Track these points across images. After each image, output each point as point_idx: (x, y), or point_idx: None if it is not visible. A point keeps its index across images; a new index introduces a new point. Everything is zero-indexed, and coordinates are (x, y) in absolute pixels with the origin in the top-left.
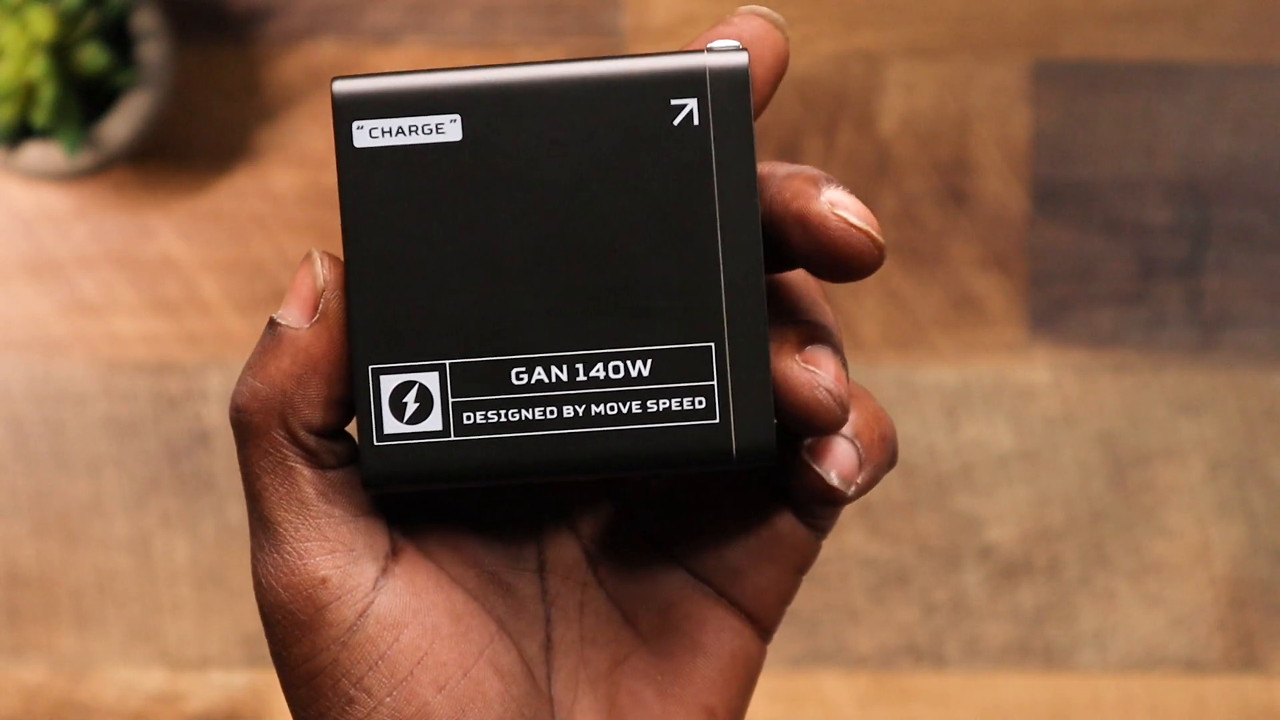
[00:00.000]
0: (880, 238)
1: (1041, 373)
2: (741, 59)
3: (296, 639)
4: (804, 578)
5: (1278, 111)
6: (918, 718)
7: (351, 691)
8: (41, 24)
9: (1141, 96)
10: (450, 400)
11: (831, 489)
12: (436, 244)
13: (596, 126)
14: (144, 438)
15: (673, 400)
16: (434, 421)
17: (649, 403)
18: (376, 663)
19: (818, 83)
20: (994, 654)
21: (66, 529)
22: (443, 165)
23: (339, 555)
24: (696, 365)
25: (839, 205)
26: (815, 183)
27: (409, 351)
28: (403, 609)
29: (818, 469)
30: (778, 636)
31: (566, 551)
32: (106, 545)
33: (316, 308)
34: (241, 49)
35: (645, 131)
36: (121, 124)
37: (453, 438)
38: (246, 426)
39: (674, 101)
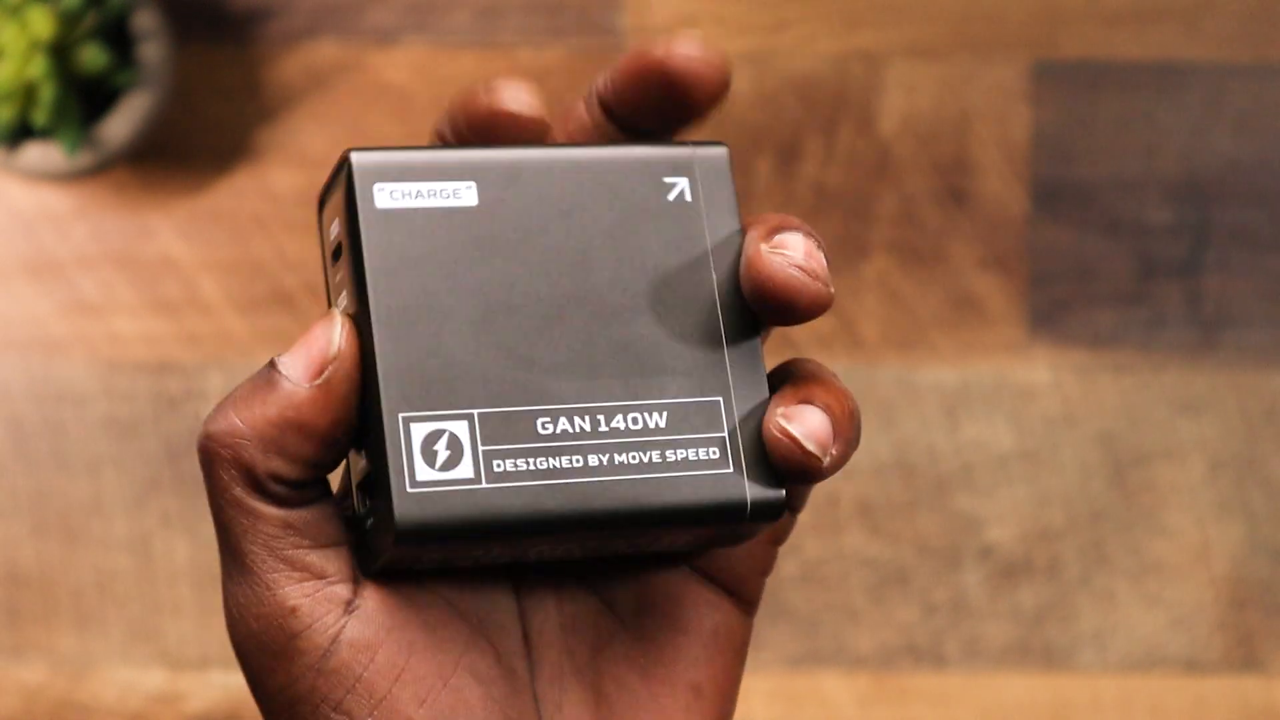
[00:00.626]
0: (824, 280)
1: (1041, 373)
2: (722, 150)
3: (271, 669)
4: (783, 549)
5: (1278, 111)
6: (918, 718)
7: (332, 716)
8: (41, 24)
9: (1141, 96)
10: (480, 448)
11: (809, 455)
12: (457, 300)
13: (601, 199)
14: (144, 438)
15: (689, 450)
16: (465, 469)
17: (668, 452)
18: (354, 685)
19: (818, 83)
20: (994, 654)
21: (66, 529)
22: (460, 228)
23: (308, 584)
24: (708, 418)
25: (781, 246)
26: (769, 226)
27: (438, 401)
28: (375, 629)
29: (795, 433)
30: (778, 636)
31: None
32: (106, 545)
33: (322, 371)
34: (241, 49)
35: (644, 205)
36: (121, 124)
37: (484, 484)
38: (214, 456)
39: (667, 180)
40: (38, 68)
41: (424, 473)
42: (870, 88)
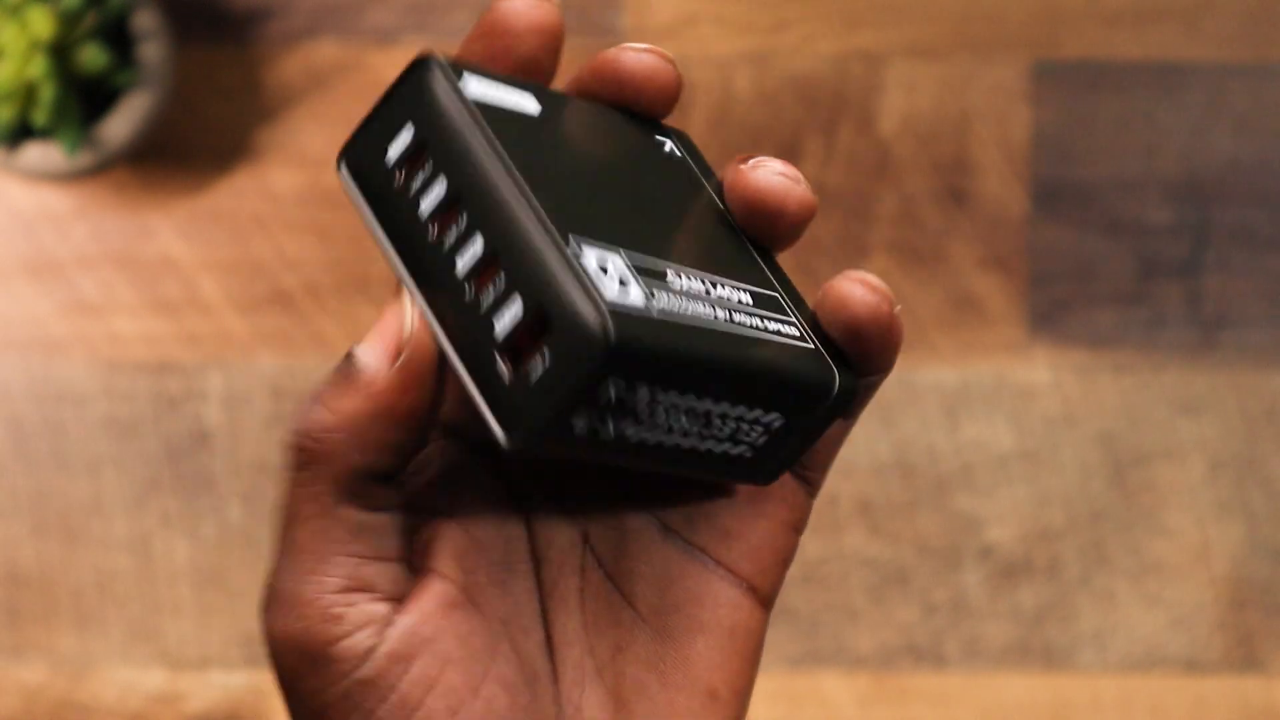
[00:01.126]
0: (806, 185)
1: (1041, 373)
2: (683, 134)
3: (306, 672)
4: (801, 539)
5: (1278, 111)
6: (918, 718)
7: None
8: (41, 24)
9: (1141, 96)
10: (640, 280)
11: (885, 299)
12: (557, 170)
13: (626, 134)
14: (144, 438)
15: (780, 324)
16: (636, 296)
17: (766, 323)
18: (388, 695)
19: (818, 83)
20: (994, 654)
21: (66, 529)
22: (532, 126)
23: (355, 594)
24: (777, 305)
25: (759, 164)
26: (742, 156)
27: (593, 230)
28: (412, 640)
29: (871, 281)
30: (778, 637)
31: (560, 536)
32: (106, 545)
33: (399, 354)
34: (241, 49)
35: (653, 149)
36: (121, 124)
37: (654, 316)
38: (307, 453)
39: (658, 138)
40: (38, 68)
41: (611, 292)
42: (870, 88)
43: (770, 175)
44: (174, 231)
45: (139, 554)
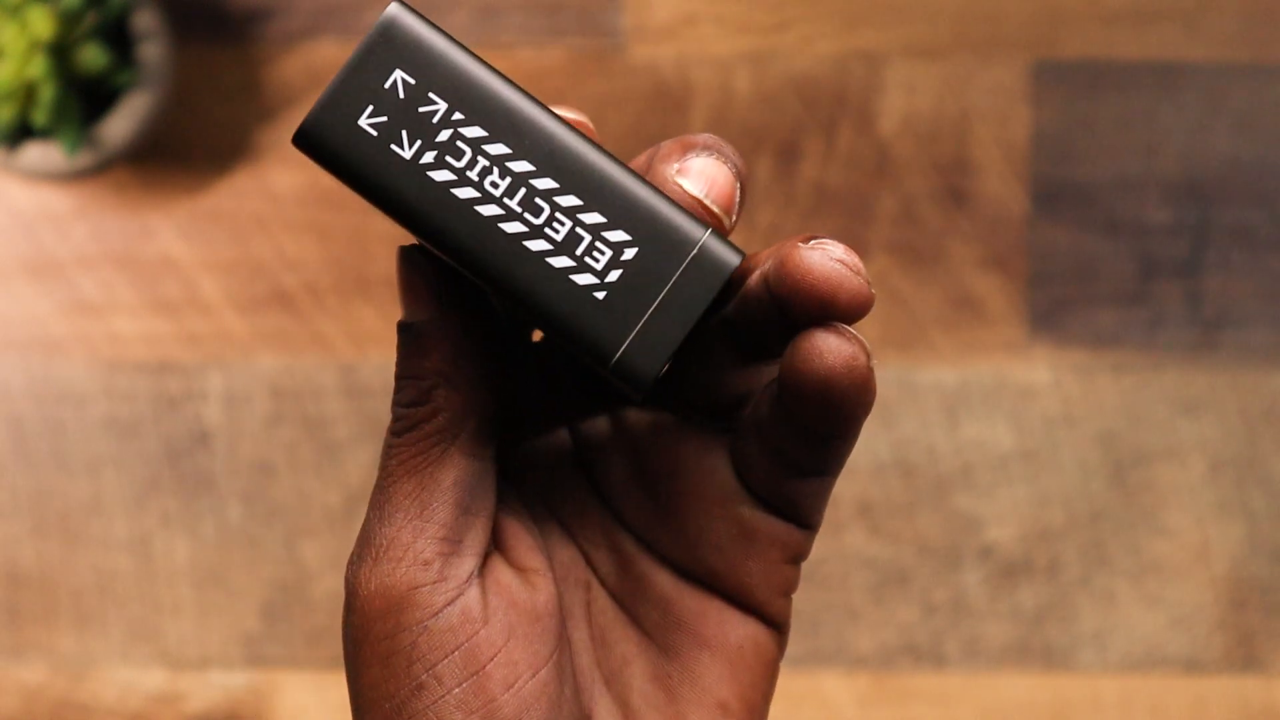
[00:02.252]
0: (863, 277)
1: (1041, 373)
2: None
3: (382, 613)
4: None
5: (1278, 111)
6: (918, 718)
7: (423, 677)
8: (41, 24)
9: (1141, 96)
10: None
11: (847, 355)
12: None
13: None
14: (144, 438)
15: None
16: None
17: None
18: (453, 653)
19: (818, 83)
20: (994, 654)
21: (66, 529)
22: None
23: (447, 544)
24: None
25: (820, 245)
26: (805, 238)
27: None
28: (485, 605)
29: (827, 340)
30: None
31: (563, 552)
32: (106, 545)
33: (430, 296)
34: (241, 49)
35: None
36: (121, 124)
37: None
38: (412, 415)
39: None
40: (38, 68)
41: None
42: (870, 88)
43: (826, 261)
44: (174, 231)
45: (139, 554)
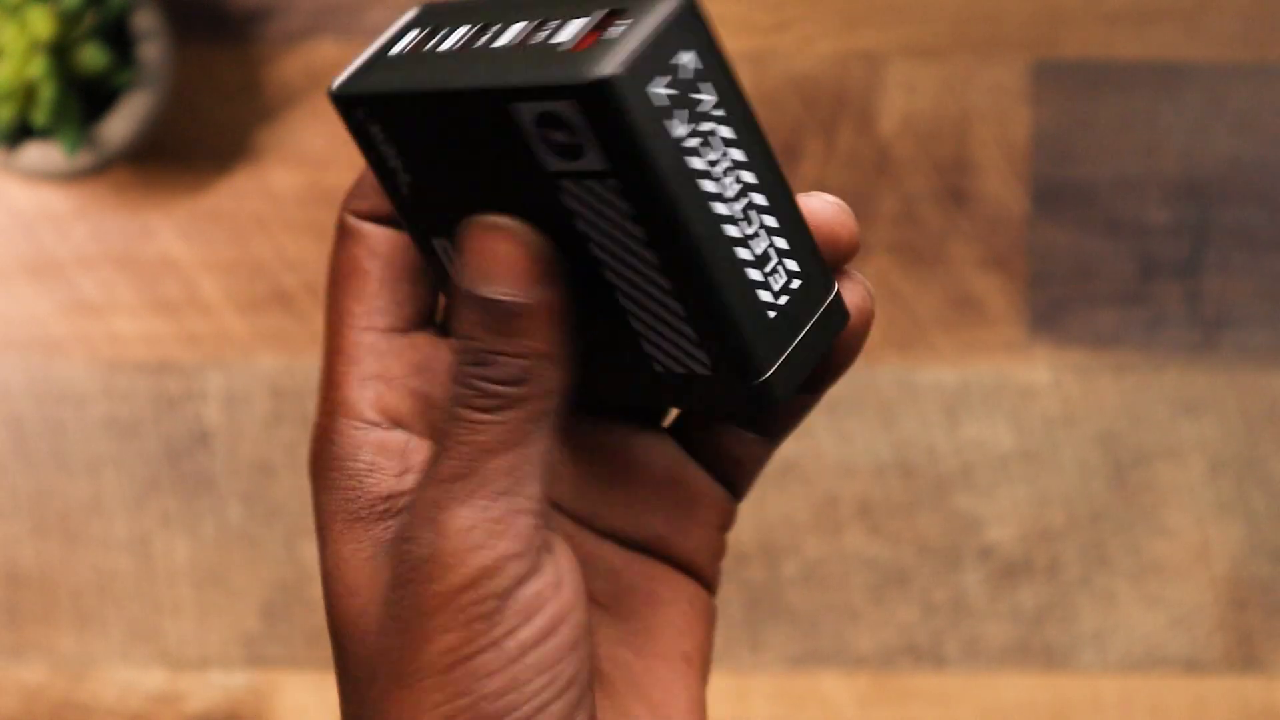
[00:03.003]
0: (851, 215)
1: (1041, 373)
2: None
3: (473, 583)
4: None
5: (1278, 111)
6: (918, 718)
7: (508, 644)
8: (41, 24)
9: (1141, 96)
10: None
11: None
12: None
13: None
14: (144, 438)
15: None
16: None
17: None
18: (534, 616)
19: (818, 83)
20: (994, 654)
21: (66, 529)
22: None
23: (538, 517)
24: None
25: (811, 195)
26: None
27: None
28: (552, 584)
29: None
30: (778, 636)
31: None
32: (106, 545)
33: (528, 270)
34: (241, 49)
35: None
36: (121, 124)
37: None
38: (508, 394)
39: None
40: (38, 68)
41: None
42: (870, 88)
43: (825, 203)
44: (174, 231)
45: (139, 554)
